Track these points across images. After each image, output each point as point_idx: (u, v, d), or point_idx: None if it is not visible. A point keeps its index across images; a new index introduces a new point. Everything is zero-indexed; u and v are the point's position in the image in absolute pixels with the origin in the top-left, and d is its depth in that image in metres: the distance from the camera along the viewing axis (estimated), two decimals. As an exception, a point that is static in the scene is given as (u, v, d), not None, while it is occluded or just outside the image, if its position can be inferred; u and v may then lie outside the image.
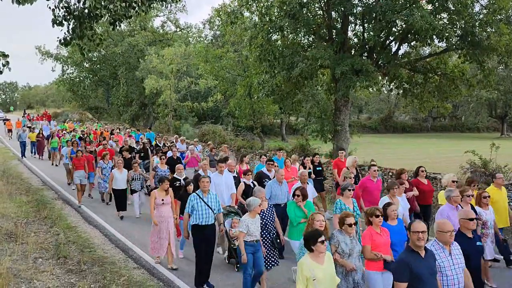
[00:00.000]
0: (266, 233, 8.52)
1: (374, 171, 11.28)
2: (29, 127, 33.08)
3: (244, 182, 11.27)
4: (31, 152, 28.42)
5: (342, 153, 15.23)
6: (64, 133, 26.89)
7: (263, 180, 12.07)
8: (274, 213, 8.91)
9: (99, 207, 15.63)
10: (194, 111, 44.55)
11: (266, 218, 8.56)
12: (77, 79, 57.14)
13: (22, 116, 49.54)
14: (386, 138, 56.66)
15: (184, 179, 11.80)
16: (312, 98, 25.09)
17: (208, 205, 8.70)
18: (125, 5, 8.88)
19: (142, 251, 10.85)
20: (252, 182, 11.37)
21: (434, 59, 21.40)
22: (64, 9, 8.91)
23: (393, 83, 22.50)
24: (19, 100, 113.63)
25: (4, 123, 44.48)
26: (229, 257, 9.99)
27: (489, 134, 62.96)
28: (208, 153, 19.23)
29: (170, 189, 10.23)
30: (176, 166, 12.68)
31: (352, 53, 20.64)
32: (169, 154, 17.25)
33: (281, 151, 16.85)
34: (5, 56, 7.93)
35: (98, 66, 55.38)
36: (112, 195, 14.82)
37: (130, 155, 17.14)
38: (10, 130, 41.31)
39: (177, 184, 11.78)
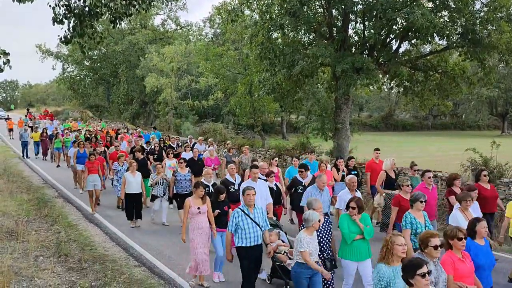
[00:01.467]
0: (320, 252, 7.34)
1: (429, 178, 10.13)
2: (31, 127, 32.19)
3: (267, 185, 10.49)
4: (35, 153, 27.53)
5: (378, 153, 13.81)
6: (68, 133, 25.91)
7: (297, 187, 11.25)
8: (331, 228, 7.90)
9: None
10: (195, 109, 44.60)
11: (321, 234, 7.59)
12: (78, 77, 57.19)
13: (25, 115, 48.44)
14: (387, 136, 56.63)
15: (212, 185, 10.63)
16: (313, 96, 25.03)
17: (255, 222, 7.63)
18: (126, 3, 8.88)
19: (142, 249, 10.85)
20: (275, 185, 10.77)
21: (434, 57, 21.36)
22: (65, 7, 8.90)
23: (393, 81, 22.48)
24: (20, 99, 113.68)
25: (6, 122, 43.52)
26: (272, 276, 8.78)
27: (490, 132, 62.93)
28: (226, 154, 17.71)
29: (207, 196, 8.97)
30: (205, 170, 11.44)
31: (353, 51, 20.60)
32: (186, 155, 16.03)
33: (313, 153, 15.53)
34: (5, 54, 7.93)
35: (98, 64, 55.41)
36: (123, 201, 13.43)
37: (143, 156, 15.94)
38: (11, 130, 40.07)
39: (207, 191, 10.28)
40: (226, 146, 20.12)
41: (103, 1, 8.71)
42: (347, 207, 7.77)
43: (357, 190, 9.90)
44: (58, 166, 24.10)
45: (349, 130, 21.69)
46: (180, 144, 20.79)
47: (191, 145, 19.57)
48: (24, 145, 27.15)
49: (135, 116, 51.31)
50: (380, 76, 21.48)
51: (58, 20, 8.90)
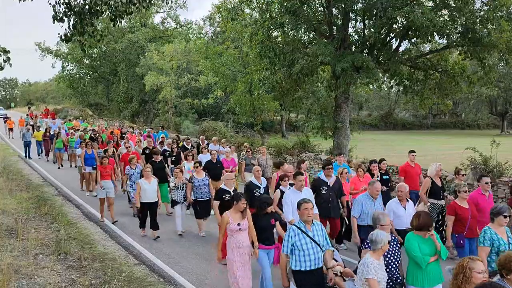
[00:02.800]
0: (388, 278, 6.22)
1: (486, 183, 9.08)
2: (32, 125, 31.15)
3: (280, 189, 9.67)
4: (38, 153, 26.65)
5: (413, 156, 12.56)
6: (73, 133, 24.35)
7: (321, 188, 10.15)
8: (399, 248, 6.75)
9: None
10: (195, 107, 44.56)
11: (389, 256, 6.53)
12: (77, 75, 57.19)
13: (27, 114, 47.08)
14: (386, 135, 56.67)
15: (233, 191, 9.75)
16: (313, 95, 25.10)
17: (315, 241, 6.42)
18: (126, 1, 8.88)
19: (142, 247, 10.85)
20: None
21: (434, 56, 21.37)
22: (65, 5, 8.91)
23: (393, 80, 22.49)
24: (19, 97, 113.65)
25: (5, 122, 41.62)
26: None
27: (489, 131, 62.94)
28: (245, 157, 16.53)
29: (248, 210, 7.81)
30: (226, 175, 10.54)
31: (353, 50, 20.61)
32: (203, 157, 15.11)
33: (342, 155, 13.87)
34: (6, 52, 7.94)
35: (98, 62, 55.39)
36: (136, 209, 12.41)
37: (160, 159, 14.53)
38: (11, 129, 38.67)
39: (226, 198, 9.63)
40: (243, 148, 18.92)
41: (103, -1, 8.72)
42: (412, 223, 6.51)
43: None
44: (60, 166, 23.13)
45: (348, 129, 21.71)
46: (194, 145, 19.65)
47: (192, 145, 18.90)
48: (27, 145, 26.17)
49: (135, 115, 51.25)
50: (380, 75, 21.51)
51: (58, 18, 8.92)
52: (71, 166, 22.69)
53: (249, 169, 14.81)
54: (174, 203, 12.01)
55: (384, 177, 12.00)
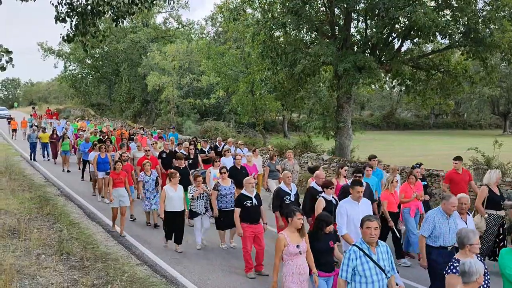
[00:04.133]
0: None
1: None
2: (37, 126, 29.72)
3: (323, 197, 8.81)
4: (43, 156, 25.55)
5: (458, 163, 11.36)
6: (82, 135, 22.77)
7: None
8: (488, 274, 5.69)
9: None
10: (196, 107, 44.64)
11: None
12: (80, 75, 57.39)
13: (30, 115, 45.79)
14: (388, 135, 56.64)
15: (255, 197, 9.14)
16: (315, 95, 25.05)
17: (379, 267, 5.41)
18: (128, 1, 8.88)
19: (144, 247, 10.85)
20: (334, 198, 8.92)
21: (437, 56, 21.36)
22: (67, 6, 8.91)
23: (395, 80, 22.49)
24: (22, 97, 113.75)
25: (9, 122, 39.83)
26: None
27: (492, 131, 62.87)
28: (268, 162, 15.12)
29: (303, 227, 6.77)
30: (245, 179, 9.51)
31: (355, 50, 20.61)
32: (226, 162, 14.14)
33: (375, 159, 12.45)
34: (8, 52, 7.93)
35: (100, 62, 55.54)
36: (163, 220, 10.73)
37: (185, 165, 13.27)
38: (14, 130, 37.51)
39: (247, 204, 9.04)
40: (268, 152, 17.51)
41: (105, 0, 8.72)
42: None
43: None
44: (68, 171, 21.82)
45: (351, 129, 21.69)
46: (211, 148, 18.32)
47: (211, 147, 17.94)
48: (33, 146, 24.98)
49: (137, 115, 51.35)
50: (382, 75, 21.51)
51: (60, 18, 8.92)
52: (79, 169, 21.15)
53: (273, 177, 14.13)
54: (193, 214, 10.72)
55: (423, 182, 11.17)
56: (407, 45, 21.61)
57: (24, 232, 11.15)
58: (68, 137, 22.86)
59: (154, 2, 9.88)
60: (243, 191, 9.29)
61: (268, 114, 45.29)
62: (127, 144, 18.74)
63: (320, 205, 8.63)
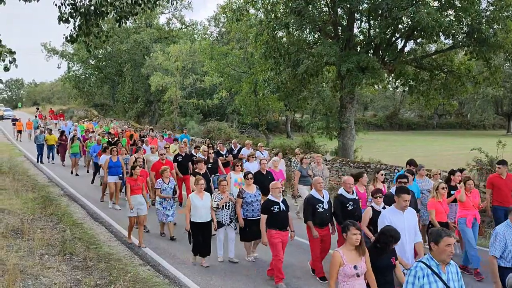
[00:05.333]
0: None
1: None
2: (43, 127, 28.36)
3: (372, 207, 8.15)
4: (48, 158, 24.52)
5: (502, 167, 10.37)
6: (90, 136, 21.85)
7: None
8: None
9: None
10: (199, 108, 44.68)
11: None
12: (83, 76, 57.49)
13: (35, 116, 44.87)
14: (392, 135, 56.56)
15: (282, 202, 8.70)
16: (318, 95, 25.05)
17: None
18: (131, 2, 8.89)
19: (147, 248, 10.85)
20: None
21: (440, 56, 21.34)
22: (70, 6, 8.93)
23: (399, 80, 22.48)
24: (25, 97, 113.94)
25: (14, 124, 38.97)
26: None
27: (495, 132, 62.70)
28: (299, 167, 13.93)
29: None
30: (272, 183, 8.95)
31: (358, 50, 20.60)
32: (250, 166, 13.26)
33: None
34: (12, 53, 7.95)
35: (103, 63, 55.65)
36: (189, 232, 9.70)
37: (205, 170, 12.42)
38: (20, 131, 36.50)
39: (276, 210, 8.55)
40: (296, 156, 16.27)
41: (108, 0, 8.73)
42: None
43: None
44: (77, 174, 20.91)
45: (354, 129, 21.68)
46: (228, 151, 17.24)
47: (228, 150, 17.05)
48: (40, 148, 24.24)
49: (140, 115, 51.45)
50: (385, 75, 21.52)
51: (64, 19, 8.93)
52: (88, 172, 20.84)
53: (304, 182, 13.24)
54: (218, 225, 9.75)
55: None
56: (410, 45, 21.65)
57: (27, 232, 11.17)
58: (79, 139, 21.89)
59: (157, 3, 9.88)
60: (269, 196, 8.78)
61: (271, 114, 45.37)
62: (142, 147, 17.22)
63: (367, 215, 8.01)
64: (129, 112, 51.09)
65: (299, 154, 15.72)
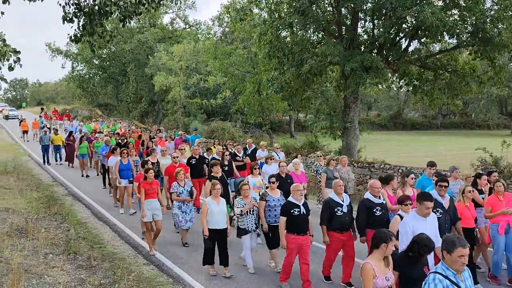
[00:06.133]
0: None
1: None
2: (48, 128, 27.89)
3: (400, 215, 7.46)
4: (55, 159, 23.94)
5: None
6: (97, 137, 21.07)
7: (434, 210, 7.37)
8: None
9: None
10: (203, 108, 44.75)
11: None
12: (87, 76, 57.68)
13: (40, 115, 44.15)
14: (395, 135, 56.47)
15: (303, 205, 8.34)
16: (321, 95, 25.06)
17: None
18: (135, 1, 8.90)
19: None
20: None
21: (444, 56, 21.30)
22: (75, 6, 8.95)
23: (403, 80, 22.46)
24: (29, 97, 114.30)
25: (20, 124, 38.10)
26: None
27: (500, 131, 62.53)
28: (325, 168, 13.36)
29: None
30: (293, 185, 8.53)
31: (362, 50, 20.59)
32: (268, 170, 12.73)
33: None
34: (16, 52, 7.99)
35: (107, 63, 55.82)
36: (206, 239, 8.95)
37: (221, 174, 11.59)
38: (25, 132, 35.87)
39: (296, 213, 8.19)
40: (319, 156, 15.49)
41: (112, 0, 8.74)
42: None
43: None
44: (87, 176, 20.33)
45: (358, 129, 21.66)
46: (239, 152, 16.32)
47: (250, 151, 16.20)
48: (45, 149, 23.54)
49: (144, 115, 51.55)
50: (389, 75, 21.48)
51: (68, 18, 8.95)
52: (97, 175, 19.82)
53: (332, 185, 12.51)
54: (242, 232, 9.23)
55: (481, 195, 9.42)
56: (414, 45, 21.63)
57: (31, 231, 11.19)
58: (87, 140, 21.01)
59: (161, 2, 9.89)
60: (290, 198, 8.40)
61: (275, 114, 45.35)
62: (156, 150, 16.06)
63: (395, 225, 7.30)
64: (133, 112, 51.21)
65: (321, 156, 15.02)
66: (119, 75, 54.97)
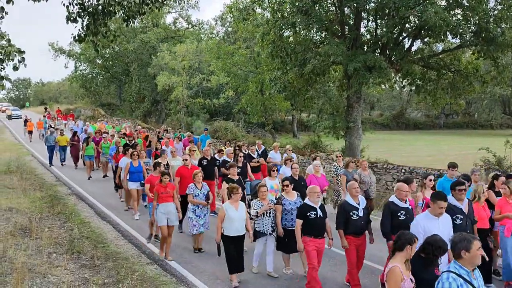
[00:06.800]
0: None
1: None
2: (53, 128, 27.28)
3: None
4: (61, 160, 23.26)
5: None
6: (104, 137, 20.24)
7: (454, 217, 7.33)
8: None
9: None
10: (206, 107, 44.76)
11: None
12: (90, 75, 57.79)
13: (44, 115, 43.14)
14: (398, 135, 56.40)
15: (320, 208, 8.12)
16: (324, 94, 25.09)
17: None
18: (139, 1, 8.91)
19: (154, 247, 10.87)
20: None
21: (447, 56, 21.27)
22: (78, 6, 8.95)
23: (406, 80, 22.44)
24: (32, 97, 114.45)
25: (25, 124, 37.26)
26: None
27: (503, 131, 62.36)
28: (344, 171, 12.80)
29: None
30: (310, 187, 8.38)
31: (365, 50, 20.58)
32: (286, 171, 12.20)
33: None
34: (21, 52, 8.00)
35: (110, 62, 55.92)
36: (222, 246, 8.53)
37: (238, 176, 11.29)
38: (30, 132, 35.32)
39: (312, 216, 8.00)
40: (338, 157, 14.65)
41: (116, 0, 8.75)
42: None
43: None
44: (89, 178, 19.66)
45: (361, 128, 21.65)
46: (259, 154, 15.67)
47: (259, 153, 15.49)
48: (51, 150, 22.82)
49: (147, 114, 51.61)
50: (392, 74, 21.46)
51: (72, 18, 8.95)
52: (104, 177, 19.79)
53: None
54: (258, 234, 8.96)
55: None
56: (417, 44, 21.60)
57: (35, 231, 11.23)
58: (93, 141, 20.42)
59: (165, 2, 9.90)
60: (306, 201, 8.17)
61: (278, 114, 45.36)
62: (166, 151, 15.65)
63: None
64: (136, 111, 51.29)
65: (339, 157, 14.37)
66: (122, 75, 55.07)
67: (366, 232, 8.25)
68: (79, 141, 22.04)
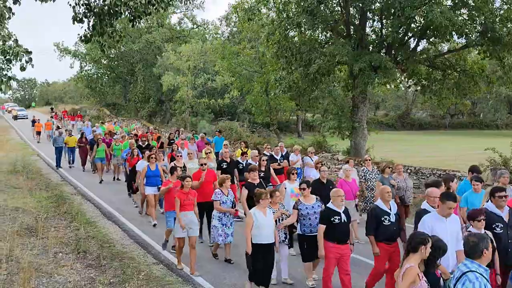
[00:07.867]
0: None
1: None
2: (60, 128, 27.04)
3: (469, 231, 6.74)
4: (69, 162, 22.80)
5: None
6: (115, 139, 19.67)
7: (493, 225, 6.95)
8: None
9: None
10: (211, 107, 44.75)
11: None
12: (95, 75, 57.93)
13: (51, 116, 43.49)
14: (403, 135, 56.24)
15: (344, 212, 7.76)
16: (329, 94, 25.01)
17: None
18: (145, 2, 8.92)
19: (160, 246, 10.88)
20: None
21: (453, 56, 21.22)
22: (85, 6, 8.99)
23: (411, 80, 22.41)
24: (38, 97, 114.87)
25: (33, 125, 36.73)
26: None
27: (509, 131, 62.01)
28: (380, 177, 11.63)
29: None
30: (334, 190, 7.95)
31: (370, 50, 20.57)
32: (316, 175, 11.60)
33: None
34: (28, 52, 8.04)
35: (115, 62, 56.02)
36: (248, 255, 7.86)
37: (259, 180, 10.56)
38: (39, 133, 34.93)
39: (336, 221, 7.63)
40: (367, 160, 13.33)
41: (122, 0, 8.77)
42: None
43: None
44: (101, 181, 18.92)
45: (366, 129, 21.61)
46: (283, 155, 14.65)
47: (282, 155, 14.52)
48: (59, 151, 22.27)
49: (152, 115, 51.69)
50: (398, 74, 21.43)
51: (78, 19, 8.99)
52: (114, 180, 19.41)
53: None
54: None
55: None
56: (423, 44, 21.57)
57: (41, 230, 11.28)
58: (103, 142, 19.72)
59: (170, 3, 9.91)
60: (329, 205, 7.81)
61: (283, 114, 45.32)
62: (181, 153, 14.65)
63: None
64: (141, 111, 51.38)
65: (369, 160, 13.25)
66: (127, 75, 55.15)
67: (399, 240, 7.90)
68: (87, 142, 21.14)
